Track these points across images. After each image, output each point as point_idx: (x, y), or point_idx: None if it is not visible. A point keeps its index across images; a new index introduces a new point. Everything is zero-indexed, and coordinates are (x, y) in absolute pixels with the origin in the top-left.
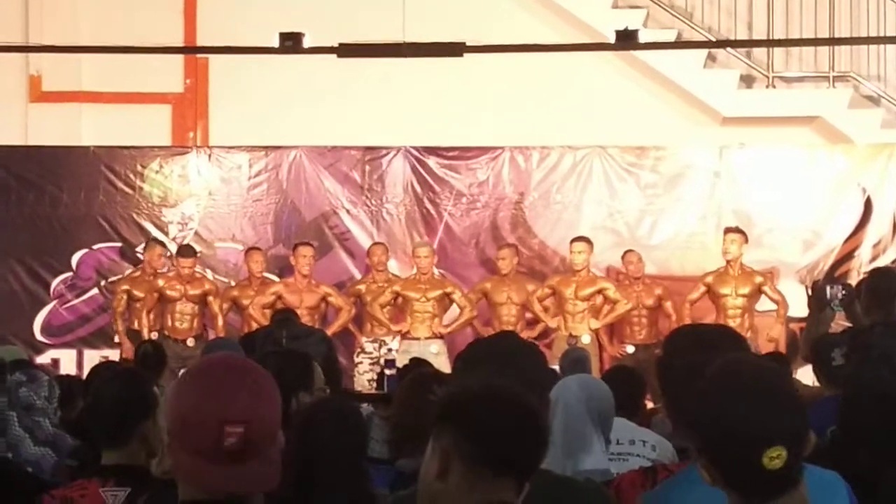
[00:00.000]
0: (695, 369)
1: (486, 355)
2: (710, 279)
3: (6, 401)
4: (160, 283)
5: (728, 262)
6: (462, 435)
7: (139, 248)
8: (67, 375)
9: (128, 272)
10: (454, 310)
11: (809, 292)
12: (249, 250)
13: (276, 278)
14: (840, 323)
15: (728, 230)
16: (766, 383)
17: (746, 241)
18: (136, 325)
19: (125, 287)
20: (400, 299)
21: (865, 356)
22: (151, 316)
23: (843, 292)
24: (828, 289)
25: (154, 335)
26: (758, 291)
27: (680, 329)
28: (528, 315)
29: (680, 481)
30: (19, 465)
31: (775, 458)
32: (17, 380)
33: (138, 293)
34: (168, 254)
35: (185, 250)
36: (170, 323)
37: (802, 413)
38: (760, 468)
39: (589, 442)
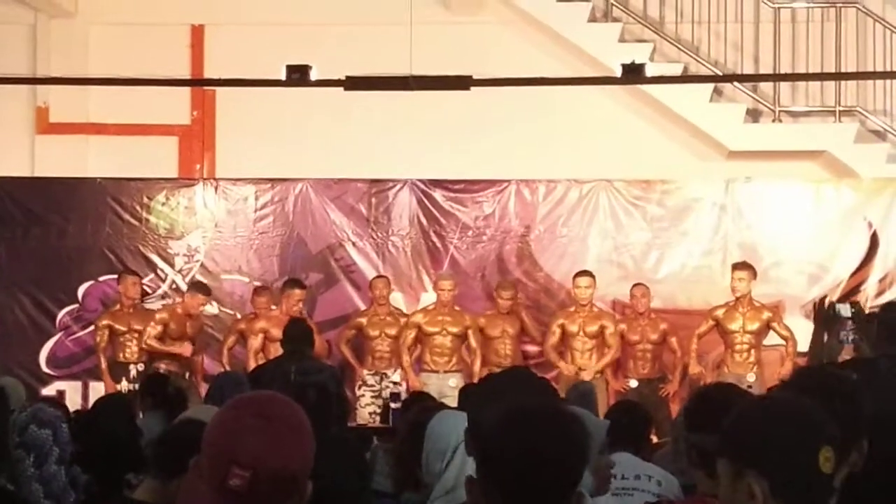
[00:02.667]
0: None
1: (498, 390)
2: (719, 313)
3: (50, 433)
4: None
5: (737, 298)
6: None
7: (145, 281)
8: (77, 411)
9: (113, 308)
10: None
11: (815, 308)
12: (256, 290)
13: None
14: (846, 357)
15: (737, 267)
16: (799, 399)
17: (755, 276)
18: (121, 357)
19: (106, 322)
20: (419, 332)
21: (868, 386)
22: (137, 349)
23: (853, 310)
24: (836, 306)
25: (141, 367)
26: (766, 327)
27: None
28: (526, 348)
29: None
30: (25, 498)
31: (828, 458)
32: (25, 420)
33: (120, 327)
34: (169, 284)
35: (202, 288)
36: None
37: (834, 423)
38: (816, 471)
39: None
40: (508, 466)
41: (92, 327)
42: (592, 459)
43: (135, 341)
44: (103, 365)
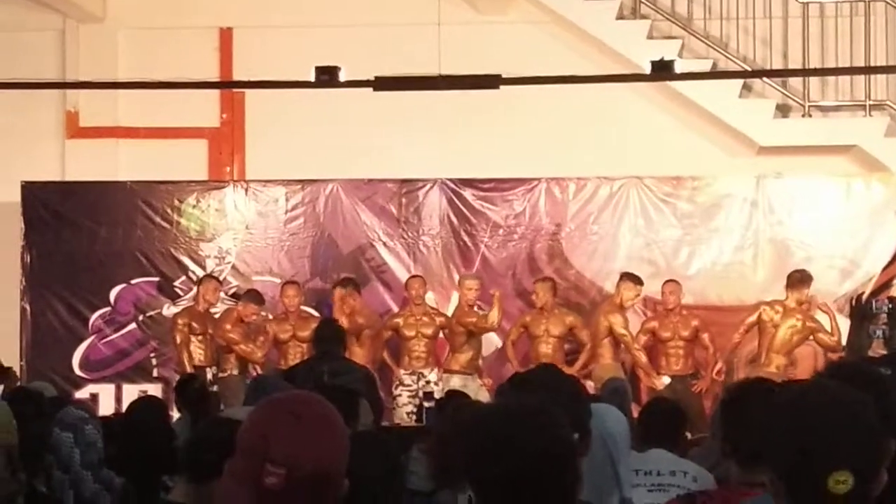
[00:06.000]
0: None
1: (524, 387)
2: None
3: (71, 436)
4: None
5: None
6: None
7: (177, 283)
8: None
9: (184, 306)
10: (489, 342)
11: (851, 304)
12: (284, 285)
13: (314, 312)
14: (878, 351)
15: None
16: (844, 409)
17: None
18: (196, 361)
19: (186, 320)
20: (443, 332)
21: None
22: (209, 353)
23: (889, 305)
24: (873, 301)
25: (214, 370)
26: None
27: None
28: (568, 346)
29: None
30: (59, 501)
31: (841, 482)
32: (71, 419)
33: (197, 325)
34: (230, 290)
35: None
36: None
37: (874, 444)
38: (824, 492)
39: (610, 477)
40: (493, 494)
41: (124, 330)
42: (624, 458)
43: (206, 345)
44: (186, 360)
